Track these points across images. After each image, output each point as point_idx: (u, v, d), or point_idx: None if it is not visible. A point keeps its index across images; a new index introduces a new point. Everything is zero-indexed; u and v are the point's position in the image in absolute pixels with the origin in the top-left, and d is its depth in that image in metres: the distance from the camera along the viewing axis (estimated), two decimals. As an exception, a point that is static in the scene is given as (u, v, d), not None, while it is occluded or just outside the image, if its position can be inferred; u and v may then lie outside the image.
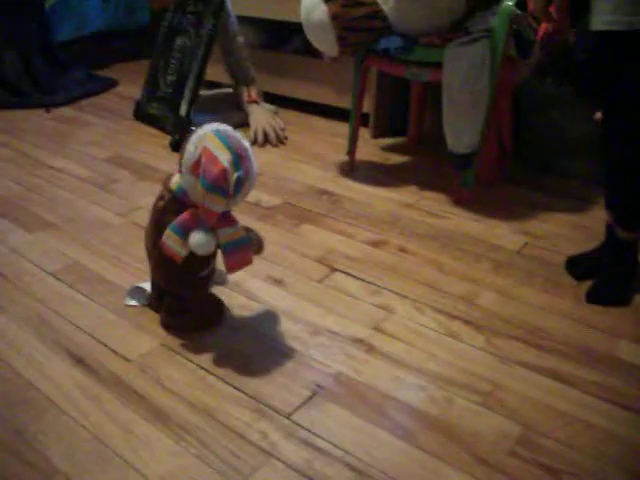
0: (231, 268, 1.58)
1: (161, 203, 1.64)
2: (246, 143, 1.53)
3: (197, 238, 1.51)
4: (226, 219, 1.56)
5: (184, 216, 1.53)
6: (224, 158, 1.45)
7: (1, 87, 3.66)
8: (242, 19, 3.38)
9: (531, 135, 2.80)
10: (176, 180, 1.61)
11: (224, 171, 1.44)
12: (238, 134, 1.54)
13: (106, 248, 2.13)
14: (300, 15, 2.50)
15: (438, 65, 2.35)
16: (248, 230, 1.64)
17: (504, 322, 1.80)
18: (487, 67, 2.32)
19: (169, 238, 1.54)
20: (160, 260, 1.62)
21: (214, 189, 1.45)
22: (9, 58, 3.65)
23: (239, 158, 1.47)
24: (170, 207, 1.60)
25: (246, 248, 1.58)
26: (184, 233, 1.52)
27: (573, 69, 2.64)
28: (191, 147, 1.50)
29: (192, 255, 1.57)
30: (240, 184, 1.49)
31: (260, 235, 1.70)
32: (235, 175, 1.46)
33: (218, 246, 1.57)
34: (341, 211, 2.42)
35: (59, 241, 2.17)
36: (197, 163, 1.47)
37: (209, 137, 1.48)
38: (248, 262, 1.60)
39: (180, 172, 1.56)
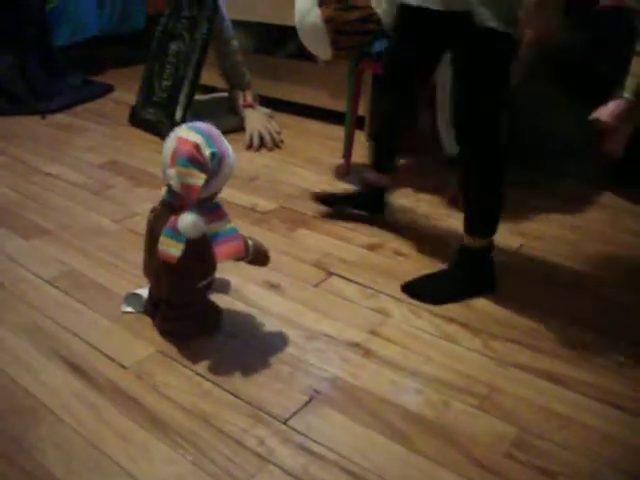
0: (220, 255, 1.57)
1: (153, 215, 1.66)
2: (217, 130, 1.59)
3: (183, 218, 1.51)
4: (215, 214, 1.57)
5: (172, 219, 1.54)
6: (195, 138, 1.51)
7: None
8: (236, 23, 3.38)
9: (524, 136, 2.80)
10: (164, 190, 1.63)
11: (196, 145, 1.49)
12: (210, 125, 1.59)
13: (102, 255, 2.13)
14: (294, 19, 2.50)
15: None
16: (253, 241, 1.67)
17: (500, 324, 1.81)
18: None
19: (162, 244, 1.54)
20: (161, 271, 1.63)
21: (189, 164, 1.48)
22: (6, 63, 3.64)
23: (211, 138, 1.53)
24: (161, 214, 1.61)
25: (235, 237, 1.58)
26: (175, 233, 1.53)
27: (563, 71, 2.65)
28: (168, 144, 1.56)
29: (194, 264, 1.58)
30: (217, 162, 1.53)
31: (265, 247, 1.71)
32: (209, 150, 1.51)
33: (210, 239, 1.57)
34: (337, 214, 2.43)
35: (55, 248, 2.17)
36: (174, 153, 1.51)
37: (180, 129, 1.56)
38: (238, 251, 1.59)
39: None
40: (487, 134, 1.82)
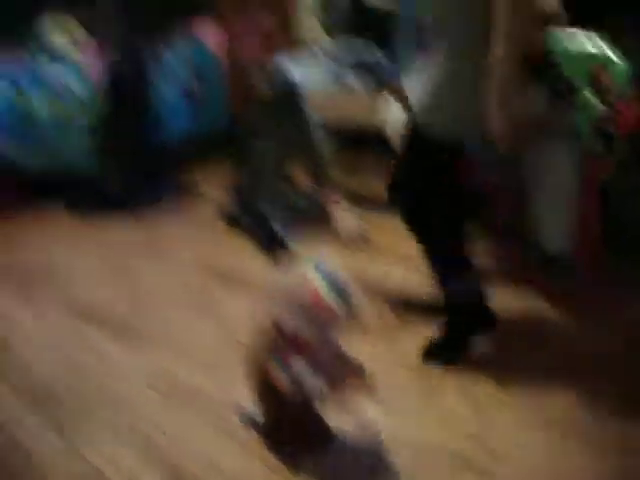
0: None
1: (260, 337, 1.70)
2: (345, 277, 1.65)
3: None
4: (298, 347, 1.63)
5: (286, 353, 1.59)
6: (332, 300, 1.58)
7: (97, 195, 3.78)
8: (322, 122, 3.44)
9: (620, 228, 2.74)
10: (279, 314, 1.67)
11: (334, 314, 1.58)
12: (337, 271, 1.66)
13: (205, 364, 2.16)
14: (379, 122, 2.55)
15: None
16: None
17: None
18: (571, 165, 2.32)
19: (274, 371, 1.57)
20: (270, 392, 1.66)
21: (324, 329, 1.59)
22: (105, 165, 3.77)
23: (344, 295, 1.61)
24: (269, 339, 1.66)
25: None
26: (286, 367, 1.56)
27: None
28: (293, 279, 1.63)
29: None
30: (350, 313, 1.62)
31: (363, 366, 1.73)
32: (341, 309, 1.59)
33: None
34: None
35: (152, 353, 2.23)
36: (303, 298, 1.58)
37: (313, 277, 1.62)
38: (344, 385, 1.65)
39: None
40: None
